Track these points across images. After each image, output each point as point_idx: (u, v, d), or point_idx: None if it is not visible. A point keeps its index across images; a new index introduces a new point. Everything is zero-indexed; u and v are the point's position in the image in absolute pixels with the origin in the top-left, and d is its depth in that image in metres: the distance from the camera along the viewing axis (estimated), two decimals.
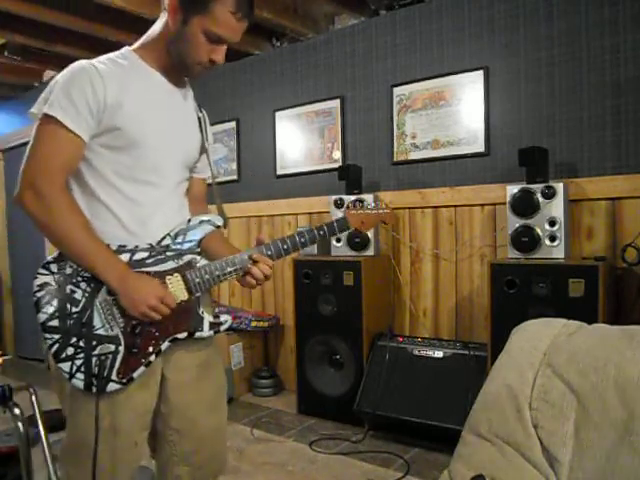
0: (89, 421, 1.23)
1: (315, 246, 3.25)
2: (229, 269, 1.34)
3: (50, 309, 1.22)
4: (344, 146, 3.47)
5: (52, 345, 1.21)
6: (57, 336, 1.21)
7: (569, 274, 2.32)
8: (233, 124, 4.04)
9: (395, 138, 3.23)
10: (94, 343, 1.23)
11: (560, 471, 1.10)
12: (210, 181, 1.55)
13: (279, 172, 3.78)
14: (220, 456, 1.50)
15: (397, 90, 3.21)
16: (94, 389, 1.22)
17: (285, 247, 1.38)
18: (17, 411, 1.69)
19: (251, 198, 3.93)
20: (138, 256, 1.28)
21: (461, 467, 1.21)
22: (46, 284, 1.23)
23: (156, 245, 1.31)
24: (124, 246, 1.28)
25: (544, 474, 1.12)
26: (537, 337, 1.30)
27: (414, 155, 3.17)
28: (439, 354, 2.82)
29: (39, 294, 1.22)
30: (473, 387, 2.54)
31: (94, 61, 1.27)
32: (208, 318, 1.35)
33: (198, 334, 1.34)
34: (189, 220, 1.39)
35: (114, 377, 1.24)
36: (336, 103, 3.47)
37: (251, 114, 3.94)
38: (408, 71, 3.17)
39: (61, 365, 1.22)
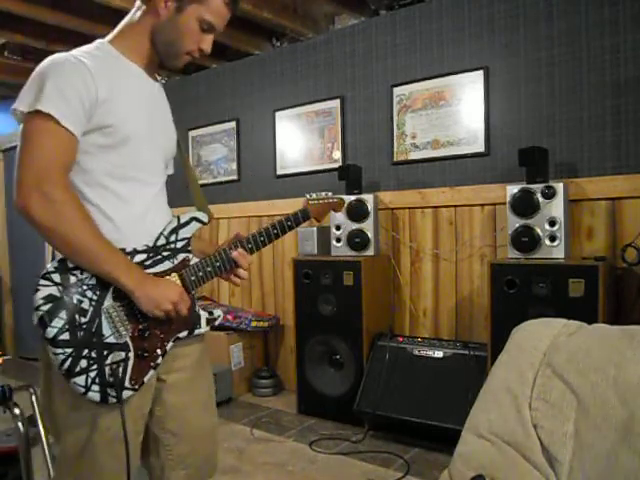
0: (93, 433, 1.22)
1: (315, 246, 3.25)
2: (217, 264, 1.36)
3: (60, 322, 1.15)
4: (344, 146, 3.47)
5: (64, 360, 1.15)
6: (69, 350, 1.16)
7: (569, 274, 2.32)
8: (233, 124, 4.04)
9: (395, 138, 3.23)
10: (105, 352, 1.20)
11: (560, 471, 1.10)
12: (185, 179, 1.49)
13: (279, 172, 3.78)
14: (214, 457, 1.49)
15: (397, 90, 3.21)
16: (112, 400, 1.19)
17: (262, 239, 1.41)
18: (17, 411, 1.69)
19: (251, 198, 3.93)
20: (137, 259, 1.26)
21: (461, 467, 1.21)
22: (51, 296, 1.16)
23: (152, 245, 1.29)
24: (123, 249, 1.24)
25: (544, 474, 1.12)
26: (537, 337, 1.30)
27: (414, 155, 3.17)
28: (439, 354, 2.82)
29: (45, 307, 1.15)
30: (473, 387, 2.53)
31: (75, 54, 1.20)
32: (204, 315, 1.36)
33: (197, 331, 1.35)
34: (178, 217, 1.36)
35: (127, 384, 1.22)
36: (336, 103, 3.47)
37: (251, 114, 3.94)
38: (408, 71, 3.17)
39: (76, 380, 1.16)
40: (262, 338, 3.83)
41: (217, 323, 1.39)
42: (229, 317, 3.61)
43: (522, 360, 1.27)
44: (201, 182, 4.29)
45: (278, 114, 3.76)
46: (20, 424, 1.69)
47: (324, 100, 3.53)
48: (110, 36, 1.32)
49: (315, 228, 3.28)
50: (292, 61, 3.68)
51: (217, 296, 4.20)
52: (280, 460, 2.66)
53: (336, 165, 3.40)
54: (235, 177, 4.05)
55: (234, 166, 4.06)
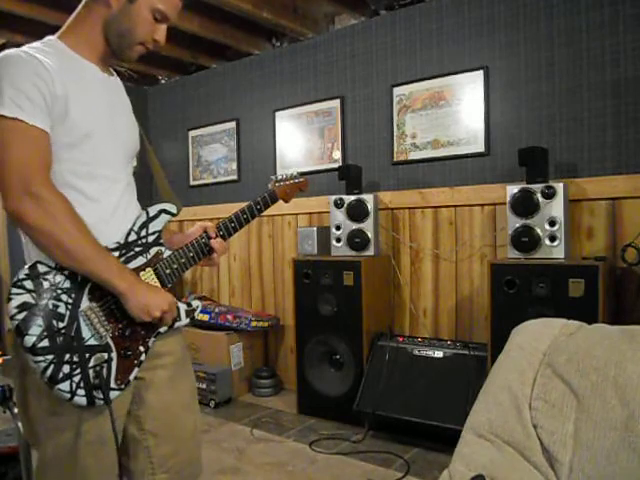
0: (75, 437, 1.20)
1: (315, 246, 3.25)
2: (191, 254, 1.36)
3: (37, 330, 1.12)
4: (344, 146, 3.47)
5: (46, 368, 1.12)
6: (50, 356, 1.13)
7: (569, 274, 2.32)
8: (233, 124, 4.04)
9: (395, 138, 3.23)
10: (87, 355, 1.17)
11: (560, 471, 1.10)
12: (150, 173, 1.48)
13: (279, 172, 3.78)
14: (197, 460, 1.44)
15: (397, 90, 3.21)
16: (99, 402, 1.18)
17: (233, 225, 1.44)
18: (17, 411, 1.69)
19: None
20: None
21: (461, 467, 1.21)
22: (25, 304, 1.13)
23: (124, 242, 1.27)
24: None
25: (544, 474, 1.12)
26: (537, 337, 1.30)
27: (414, 155, 3.17)
28: (439, 354, 2.82)
29: (20, 316, 1.12)
30: (473, 387, 2.54)
31: (26, 50, 1.17)
32: (183, 306, 1.35)
33: (177, 324, 1.33)
34: (147, 211, 1.34)
35: (113, 385, 1.20)
36: (336, 103, 3.47)
37: (251, 114, 3.94)
38: (408, 71, 3.17)
39: (60, 386, 1.14)
40: (262, 338, 3.83)
41: (197, 314, 1.39)
42: (229, 317, 3.61)
43: (522, 360, 1.27)
44: (201, 182, 4.29)
45: (278, 114, 3.76)
46: (20, 424, 1.69)
47: (324, 100, 3.53)
48: (59, 32, 1.28)
49: (315, 228, 3.28)
50: (292, 61, 3.68)
51: (217, 296, 4.20)
52: (280, 460, 2.66)
53: (336, 165, 3.40)
54: (235, 177, 4.05)
55: (234, 166, 4.06)
